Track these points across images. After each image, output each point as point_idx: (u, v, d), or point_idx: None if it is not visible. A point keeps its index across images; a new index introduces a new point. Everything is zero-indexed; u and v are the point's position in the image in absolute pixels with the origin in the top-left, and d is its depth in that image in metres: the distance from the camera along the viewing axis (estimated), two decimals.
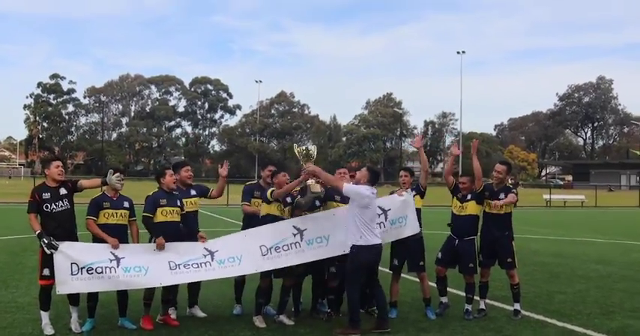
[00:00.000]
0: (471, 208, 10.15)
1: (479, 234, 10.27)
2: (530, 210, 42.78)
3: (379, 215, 9.48)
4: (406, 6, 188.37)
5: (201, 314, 9.86)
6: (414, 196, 10.00)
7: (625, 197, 63.35)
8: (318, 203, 9.79)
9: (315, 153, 9.45)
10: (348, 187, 8.95)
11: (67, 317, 9.01)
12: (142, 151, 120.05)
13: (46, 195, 8.71)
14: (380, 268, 9.54)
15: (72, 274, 8.52)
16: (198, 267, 8.99)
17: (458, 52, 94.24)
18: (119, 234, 8.93)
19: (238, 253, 9.14)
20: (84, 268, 8.53)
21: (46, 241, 8.41)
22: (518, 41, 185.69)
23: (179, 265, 8.93)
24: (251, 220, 9.80)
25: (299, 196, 9.59)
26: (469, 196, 10.17)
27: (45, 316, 8.72)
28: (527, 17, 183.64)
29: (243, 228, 9.92)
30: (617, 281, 13.67)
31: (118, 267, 8.66)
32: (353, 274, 8.93)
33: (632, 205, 52.54)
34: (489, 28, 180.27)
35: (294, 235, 9.25)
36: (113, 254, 8.69)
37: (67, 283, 8.53)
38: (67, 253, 8.51)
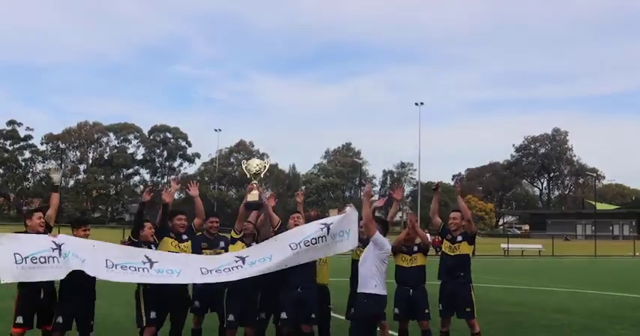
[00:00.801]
0: (464, 248, 10.47)
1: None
2: (488, 259, 42.91)
3: (323, 228, 9.35)
4: (364, 57, 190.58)
5: None
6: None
7: (581, 246, 64.01)
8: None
9: (265, 169, 9.94)
10: (378, 236, 8.95)
11: None
12: (99, 199, 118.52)
13: None
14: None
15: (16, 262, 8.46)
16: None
17: (416, 104, 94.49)
18: None
19: (177, 268, 9.17)
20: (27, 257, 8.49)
21: None
22: (474, 93, 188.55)
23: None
24: None
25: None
26: (460, 238, 10.47)
27: None
28: (482, 70, 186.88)
29: None
30: (578, 331, 13.70)
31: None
32: (362, 324, 8.95)
33: (589, 255, 52.98)
34: (446, 80, 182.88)
35: (236, 261, 9.27)
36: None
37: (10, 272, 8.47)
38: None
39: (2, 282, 8.49)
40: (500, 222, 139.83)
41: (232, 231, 9.83)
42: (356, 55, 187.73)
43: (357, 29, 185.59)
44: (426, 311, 10.29)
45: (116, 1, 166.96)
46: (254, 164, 9.91)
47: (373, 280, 8.81)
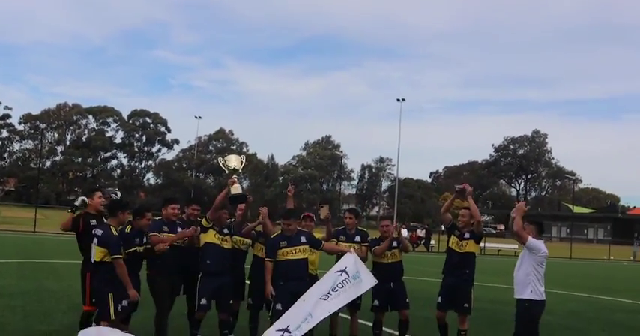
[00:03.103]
0: (470, 246, 10.70)
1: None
2: None
3: (341, 273, 9.38)
4: (346, 52, 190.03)
5: None
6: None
7: (556, 248, 64.17)
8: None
9: (242, 164, 9.80)
10: (532, 241, 8.88)
11: None
12: (75, 181, 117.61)
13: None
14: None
15: None
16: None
17: (398, 100, 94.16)
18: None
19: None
20: None
21: None
22: (456, 92, 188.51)
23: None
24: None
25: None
26: (467, 235, 10.68)
27: None
28: (464, 69, 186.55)
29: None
30: (559, 330, 13.78)
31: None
32: (530, 327, 8.94)
33: (564, 257, 53.37)
34: (427, 78, 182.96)
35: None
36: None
37: None
38: None
39: None
40: None
41: (204, 219, 9.82)
42: (338, 49, 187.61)
43: (340, 23, 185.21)
44: (407, 300, 10.72)
45: None
46: (232, 160, 9.81)
47: (530, 286, 8.79)
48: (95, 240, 8.69)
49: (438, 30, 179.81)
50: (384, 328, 10.93)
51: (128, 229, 9.07)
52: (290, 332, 8.69)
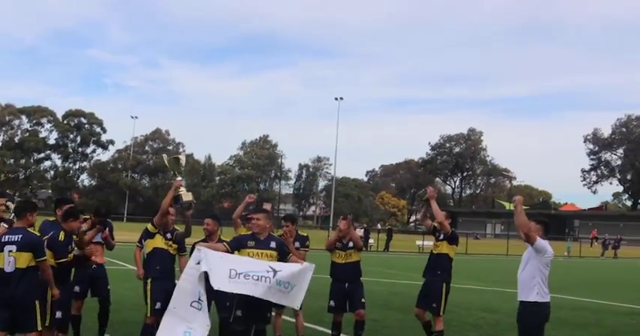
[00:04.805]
0: (443, 247, 11.18)
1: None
2: (405, 256, 43.17)
3: (267, 272, 8.70)
4: (281, 50, 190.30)
5: None
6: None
7: (492, 245, 65.04)
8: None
9: (184, 161, 9.77)
10: (540, 242, 8.50)
11: None
12: (7, 183, 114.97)
13: None
14: None
15: None
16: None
17: (336, 98, 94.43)
18: None
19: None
20: None
21: None
22: (391, 90, 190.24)
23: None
24: None
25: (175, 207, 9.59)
26: (441, 237, 11.15)
27: None
28: (400, 68, 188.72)
29: None
30: (508, 330, 13.66)
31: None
32: (537, 330, 8.61)
33: (500, 254, 53.86)
34: (363, 77, 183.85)
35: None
36: None
37: None
38: None
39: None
40: (412, 219, 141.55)
41: (150, 225, 9.49)
42: (273, 48, 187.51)
43: (275, 22, 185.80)
44: (362, 300, 10.79)
45: None
46: (183, 160, 9.65)
47: (536, 288, 8.49)
48: (13, 247, 8.06)
49: (371, 28, 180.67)
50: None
51: (62, 236, 8.68)
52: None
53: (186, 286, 8.65)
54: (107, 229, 10.34)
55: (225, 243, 9.06)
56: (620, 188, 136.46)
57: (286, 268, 8.85)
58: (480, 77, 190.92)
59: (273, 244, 9.01)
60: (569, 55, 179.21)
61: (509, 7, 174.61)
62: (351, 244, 10.74)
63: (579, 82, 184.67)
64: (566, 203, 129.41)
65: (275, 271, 8.72)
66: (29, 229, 8.31)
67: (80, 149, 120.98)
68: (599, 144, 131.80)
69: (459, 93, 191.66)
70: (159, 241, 9.44)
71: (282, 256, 9.05)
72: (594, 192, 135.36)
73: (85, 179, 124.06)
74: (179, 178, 9.36)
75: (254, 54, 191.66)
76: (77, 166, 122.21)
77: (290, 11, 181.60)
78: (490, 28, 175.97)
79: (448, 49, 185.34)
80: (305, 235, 11.09)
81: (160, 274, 9.40)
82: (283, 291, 8.75)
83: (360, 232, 56.04)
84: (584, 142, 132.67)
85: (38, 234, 8.39)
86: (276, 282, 8.66)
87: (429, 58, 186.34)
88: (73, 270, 9.35)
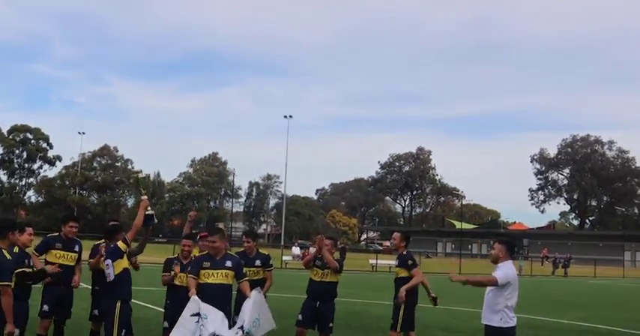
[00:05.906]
0: (400, 272, 11.56)
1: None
2: (358, 274, 42.99)
3: (236, 334, 8.55)
4: (230, 68, 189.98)
5: None
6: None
7: (444, 264, 65.28)
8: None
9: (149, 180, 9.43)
10: (503, 279, 8.26)
11: None
12: None
13: None
14: None
15: None
16: None
17: (285, 116, 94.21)
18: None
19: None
20: None
21: None
22: (341, 109, 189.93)
23: None
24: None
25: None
26: (396, 263, 11.67)
27: None
28: (347, 87, 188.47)
29: None
30: None
31: None
32: None
33: (454, 272, 53.87)
34: (312, 95, 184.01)
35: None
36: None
37: None
38: None
39: None
40: (363, 237, 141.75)
41: (121, 243, 8.77)
42: (221, 66, 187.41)
43: (222, 40, 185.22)
44: (330, 325, 10.76)
45: None
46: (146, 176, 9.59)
47: (500, 314, 8.34)
48: None
49: (321, 47, 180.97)
50: None
51: (16, 249, 8.29)
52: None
53: None
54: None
55: (191, 275, 8.88)
56: (567, 207, 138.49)
57: (246, 315, 8.74)
58: (429, 97, 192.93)
59: (228, 263, 8.92)
60: (514, 76, 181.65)
61: (458, 28, 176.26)
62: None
63: (526, 103, 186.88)
64: (515, 222, 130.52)
65: (241, 328, 8.63)
66: (3, 250, 7.63)
67: (26, 165, 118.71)
68: (545, 164, 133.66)
69: (409, 112, 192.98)
70: (127, 263, 8.86)
71: (239, 275, 9.01)
72: (542, 211, 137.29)
73: (32, 196, 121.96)
74: (144, 197, 9.08)
75: (202, 71, 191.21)
76: (23, 183, 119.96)
77: (237, 29, 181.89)
78: (439, 48, 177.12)
79: (397, 69, 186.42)
80: (266, 254, 10.79)
81: (130, 296, 8.91)
82: (257, 327, 8.81)
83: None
84: (532, 161, 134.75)
85: (9, 257, 7.65)
86: (247, 330, 8.64)
87: (378, 77, 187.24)
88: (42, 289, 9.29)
